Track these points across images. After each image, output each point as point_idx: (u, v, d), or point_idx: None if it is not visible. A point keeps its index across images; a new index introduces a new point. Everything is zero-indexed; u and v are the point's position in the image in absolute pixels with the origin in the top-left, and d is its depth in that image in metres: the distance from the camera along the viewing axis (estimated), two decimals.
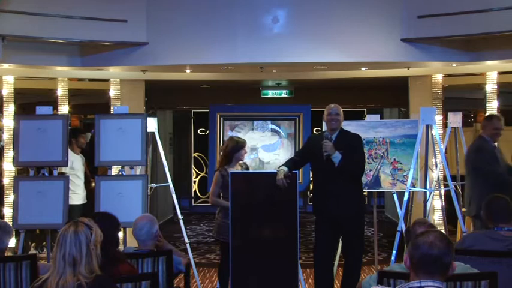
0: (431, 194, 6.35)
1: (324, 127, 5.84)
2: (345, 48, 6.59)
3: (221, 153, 5.65)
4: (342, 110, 5.24)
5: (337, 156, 4.99)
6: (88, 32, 6.42)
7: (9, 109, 7.60)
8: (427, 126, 5.80)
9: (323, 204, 5.17)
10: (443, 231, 5.81)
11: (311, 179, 5.95)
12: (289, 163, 5.14)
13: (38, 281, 2.87)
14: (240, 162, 5.57)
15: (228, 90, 10.07)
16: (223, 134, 6.49)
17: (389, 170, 6.37)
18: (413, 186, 5.97)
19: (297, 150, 6.56)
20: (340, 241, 5.51)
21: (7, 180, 7.49)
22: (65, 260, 2.79)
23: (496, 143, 5.81)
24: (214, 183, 5.49)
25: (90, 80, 8.26)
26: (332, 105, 5.21)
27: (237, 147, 5.50)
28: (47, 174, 5.80)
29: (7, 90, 7.60)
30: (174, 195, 6.40)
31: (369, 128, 6.42)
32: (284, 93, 9.81)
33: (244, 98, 10.00)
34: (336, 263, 6.13)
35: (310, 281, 6.22)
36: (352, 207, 5.12)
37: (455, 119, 6.56)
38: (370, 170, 6.35)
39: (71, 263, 2.79)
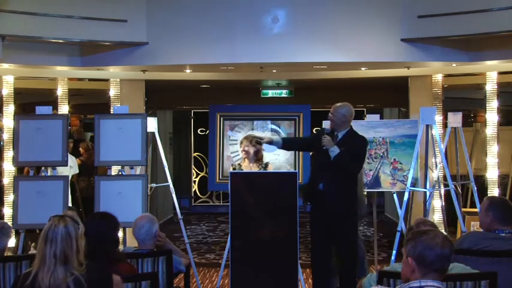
0: (431, 194, 6.35)
1: (324, 126, 5.85)
2: (345, 48, 6.59)
3: None
4: (345, 109, 5.13)
5: (333, 151, 5.02)
6: (88, 32, 6.42)
7: (9, 109, 7.59)
8: (427, 126, 5.80)
9: (318, 202, 5.19)
10: (443, 231, 5.80)
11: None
12: (287, 138, 5.42)
13: (27, 279, 2.84)
14: (261, 160, 5.86)
15: (228, 90, 10.07)
16: (223, 134, 6.48)
17: (389, 170, 6.36)
18: (414, 186, 5.97)
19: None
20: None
21: (7, 180, 7.48)
22: (56, 258, 2.78)
23: None
24: None
25: (90, 80, 8.25)
26: (337, 104, 5.20)
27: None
28: (47, 174, 5.80)
29: (7, 90, 7.58)
30: (174, 195, 6.41)
31: (368, 128, 6.41)
32: (284, 93, 9.82)
33: (244, 98, 10.00)
34: None
35: (310, 281, 6.21)
36: (345, 206, 5.12)
37: (455, 119, 6.56)
38: (370, 170, 6.35)
39: (62, 260, 2.78)
